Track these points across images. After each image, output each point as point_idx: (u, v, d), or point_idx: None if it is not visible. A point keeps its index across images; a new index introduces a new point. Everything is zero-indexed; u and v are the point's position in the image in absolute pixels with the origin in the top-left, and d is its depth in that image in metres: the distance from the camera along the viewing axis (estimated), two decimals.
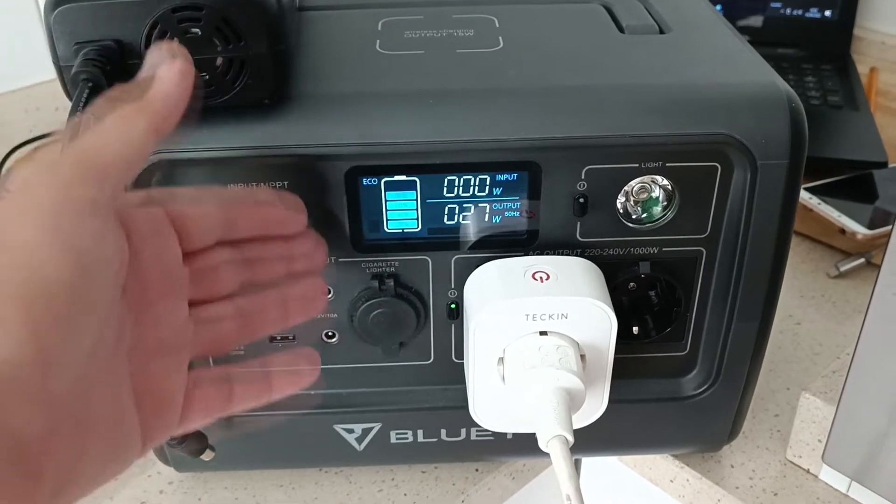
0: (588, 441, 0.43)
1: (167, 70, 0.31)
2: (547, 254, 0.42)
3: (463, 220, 0.41)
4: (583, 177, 0.40)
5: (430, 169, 0.39)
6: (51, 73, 0.36)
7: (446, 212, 0.41)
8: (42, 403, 0.24)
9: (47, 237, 0.25)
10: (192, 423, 0.33)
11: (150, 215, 0.32)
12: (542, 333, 0.39)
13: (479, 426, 0.43)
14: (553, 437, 0.36)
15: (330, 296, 0.43)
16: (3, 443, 0.23)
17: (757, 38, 0.99)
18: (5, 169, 0.84)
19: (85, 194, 0.27)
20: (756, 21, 0.99)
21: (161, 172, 0.38)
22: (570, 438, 0.36)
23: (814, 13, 0.97)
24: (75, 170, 0.27)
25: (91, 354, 0.26)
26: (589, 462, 0.60)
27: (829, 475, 0.50)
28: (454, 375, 0.46)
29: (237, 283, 0.35)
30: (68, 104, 0.34)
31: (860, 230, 0.67)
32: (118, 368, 0.29)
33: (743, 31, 0.49)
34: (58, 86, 0.36)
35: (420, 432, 0.48)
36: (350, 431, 0.48)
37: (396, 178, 0.40)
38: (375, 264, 0.42)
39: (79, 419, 0.26)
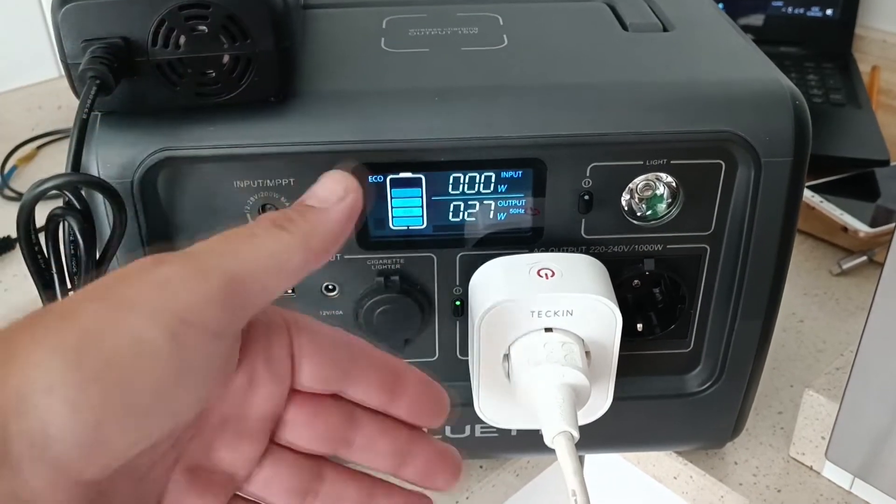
0: (592, 438, 0.43)
1: (338, 208, 0.29)
2: (552, 251, 0.42)
3: (468, 217, 0.41)
4: (587, 174, 0.40)
5: (435, 166, 0.40)
6: (53, 71, 0.36)
7: (451, 209, 0.41)
8: (70, 487, 0.23)
9: (167, 345, 0.24)
10: None
11: (272, 327, 0.29)
12: (548, 330, 0.39)
13: (484, 423, 0.44)
14: (559, 434, 0.36)
15: (334, 293, 0.43)
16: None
17: (759, 37, 0.99)
18: (7, 167, 0.84)
19: (220, 316, 0.25)
20: (758, 20, 0.99)
21: (167, 170, 0.38)
22: (576, 434, 0.37)
23: (815, 12, 0.97)
24: (220, 287, 0.25)
25: (141, 458, 0.25)
26: (593, 459, 0.60)
27: (832, 472, 0.50)
28: (459, 372, 0.46)
29: (327, 449, 0.31)
30: (70, 102, 0.34)
31: (862, 228, 0.68)
32: (156, 480, 0.28)
33: (745, 29, 0.49)
34: (60, 84, 0.37)
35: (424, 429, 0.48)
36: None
37: (402, 175, 0.40)
38: (381, 261, 0.42)
39: None
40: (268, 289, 0.27)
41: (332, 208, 0.29)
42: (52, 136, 0.90)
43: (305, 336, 0.30)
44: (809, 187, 0.73)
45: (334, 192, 0.29)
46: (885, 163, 0.78)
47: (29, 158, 0.88)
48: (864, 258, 0.68)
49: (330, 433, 0.31)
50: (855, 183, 0.75)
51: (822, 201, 0.71)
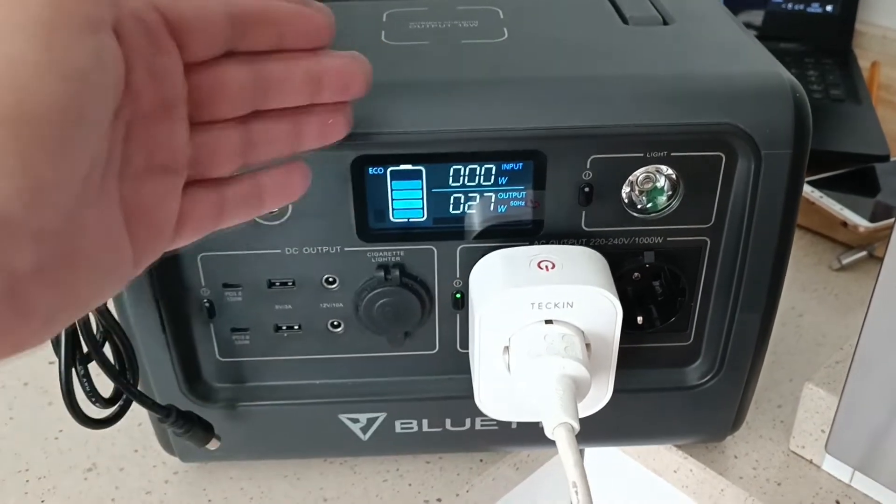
0: (592, 431, 0.43)
1: None
2: (552, 243, 0.42)
3: (468, 209, 0.41)
4: (588, 166, 0.40)
5: (435, 158, 0.40)
6: None
7: (452, 201, 0.41)
8: (33, 238, 0.23)
9: (39, 55, 0.22)
10: (183, 239, 0.31)
11: (147, 24, 0.27)
12: (548, 322, 0.39)
13: (484, 416, 0.44)
14: (559, 425, 0.36)
15: (334, 286, 0.43)
16: None
17: (759, 33, 0.99)
18: None
19: (83, 7, 0.24)
20: (758, 15, 0.99)
21: None
22: (576, 426, 0.37)
23: (815, 8, 0.97)
24: None
25: (84, 182, 0.24)
26: (593, 453, 0.60)
27: (832, 465, 0.50)
28: (459, 365, 0.46)
29: (248, 104, 0.31)
30: None
31: (862, 223, 0.68)
32: (109, 193, 0.27)
33: (745, 25, 0.49)
34: None
35: (425, 422, 0.48)
36: (355, 421, 0.48)
37: (402, 167, 0.40)
38: (381, 254, 0.42)
39: (70, 250, 0.24)
40: None
41: None
42: None
43: (177, 15, 0.28)
44: (809, 182, 0.73)
45: None
46: (885, 158, 0.78)
47: None
48: (864, 253, 0.68)
49: (242, 91, 0.31)
50: (855, 178, 0.75)
51: (821, 196, 0.71)
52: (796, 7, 0.98)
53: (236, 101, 0.31)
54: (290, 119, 0.33)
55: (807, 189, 0.72)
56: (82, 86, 0.23)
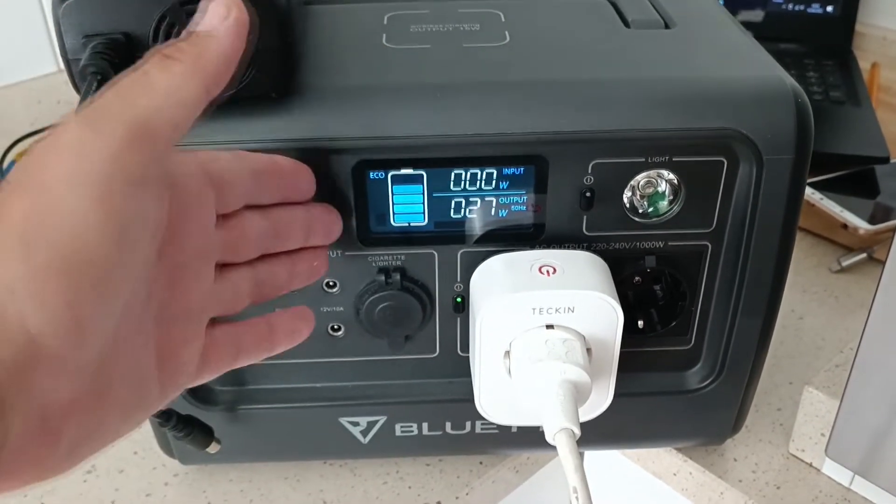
0: (592, 435, 0.43)
1: (224, 27, 0.29)
2: (553, 248, 0.42)
3: (469, 213, 0.41)
4: (589, 171, 0.40)
5: (436, 163, 0.40)
6: (52, 66, 0.36)
7: (453, 206, 0.41)
8: (70, 374, 0.24)
9: (95, 206, 0.24)
10: (203, 377, 0.34)
11: (194, 177, 0.31)
12: (549, 327, 0.39)
13: (484, 419, 0.44)
14: (560, 430, 0.36)
15: (335, 289, 0.43)
16: (29, 414, 0.23)
17: (759, 34, 0.98)
18: (7, 162, 0.84)
19: (136, 163, 0.26)
20: (758, 16, 0.99)
21: None
22: (577, 431, 0.37)
23: (815, 8, 0.97)
24: (127, 135, 0.26)
25: (121, 321, 0.26)
26: (593, 456, 0.60)
27: (831, 469, 0.50)
28: (460, 369, 0.46)
29: (261, 249, 0.36)
30: (70, 97, 0.34)
31: (862, 225, 0.68)
32: (145, 333, 0.29)
33: (745, 26, 0.49)
34: (59, 79, 0.36)
35: (425, 425, 0.48)
36: (355, 424, 0.48)
37: (403, 171, 0.40)
38: (382, 258, 0.42)
39: (102, 385, 0.26)
40: (174, 123, 0.27)
41: (219, 28, 0.29)
42: None
43: (217, 170, 0.32)
44: (809, 184, 0.73)
45: (217, 13, 0.30)
46: (885, 160, 0.78)
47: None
48: (864, 255, 0.68)
49: (259, 238, 0.35)
50: (855, 180, 0.75)
51: (821, 198, 0.71)
52: (796, 8, 0.98)
53: (253, 247, 0.35)
54: (287, 261, 0.38)
55: (807, 191, 0.72)
56: (130, 237, 0.26)
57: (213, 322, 0.34)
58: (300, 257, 0.38)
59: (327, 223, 0.39)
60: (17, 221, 0.24)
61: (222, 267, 0.34)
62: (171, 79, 0.28)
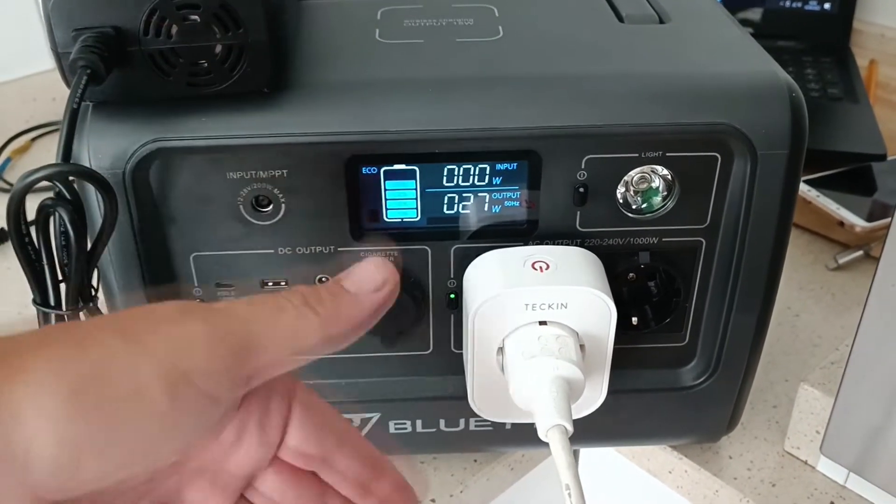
0: (587, 432, 0.43)
1: (371, 297, 0.29)
2: (547, 244, 0.42)
3: (462, 209, 0.41)
4: (583, 166, 0.40)
5: (429, 158, 0.39)
6: (47, 63, 0.36)
7: (446, 201, 0.41)
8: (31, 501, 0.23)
9: (166, 400, 0.24)
10: None
11: (271, 407, 0.29)
12: (542, 323, 0.39)
13: (478, 416, 0.43)
14: (552, 427, 0.36)
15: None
16: None
17: (757, 31, 0.99)
18: (1, 159, 0.84)
19: (222, 385, 0.26)
20: (756, 13, 0.99)
21: (159, 161, 0.38)
22: (570, 428, 0.36)
23: (813, 6, 0.97)
24: (230, 357, 0.25)
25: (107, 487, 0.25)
26: (587, 454, 0.60)
27: (826, 466, 0.50)
28: (453, 365, 0.46)
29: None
30: (65, 95, 0.34)
31: (859, 223, 0.67)
32: None
33: (743, 23, 0.49)
34: (54, 76, 0.36)
35: (419, 422, 0.48)
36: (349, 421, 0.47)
37: (396, 167, 0.39)
38: (374, 254, 0.42)
39: None
40: (278, 363, 0.27)
41: (366, 297, 0.29)
42: (47, 129, 0.90)
43: (302, 409, 0.30)
44: (806, 182, 0.73)
45: (373, 280, 0.29)
46: (882, 157, 0.78)
47: (23, 150, 0.87)
48: (861, 253, 0.68)
49: None
50: (852, 177, 0.75)
51: (818, 196, 0.71)
52: (794, 5, 0.98)
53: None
54: None
55: (803, 188, 0.72)
56: (170, 435, 0.25)
57: None
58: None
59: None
60: (92, 357, 0.24)
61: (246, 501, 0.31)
62: (301, 324, 0.27)
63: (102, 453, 0.23)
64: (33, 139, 0.89)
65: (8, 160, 0.85)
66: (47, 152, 0.86)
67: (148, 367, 0.24)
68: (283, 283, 0.43)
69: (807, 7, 0.97)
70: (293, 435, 0.30)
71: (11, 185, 0.79)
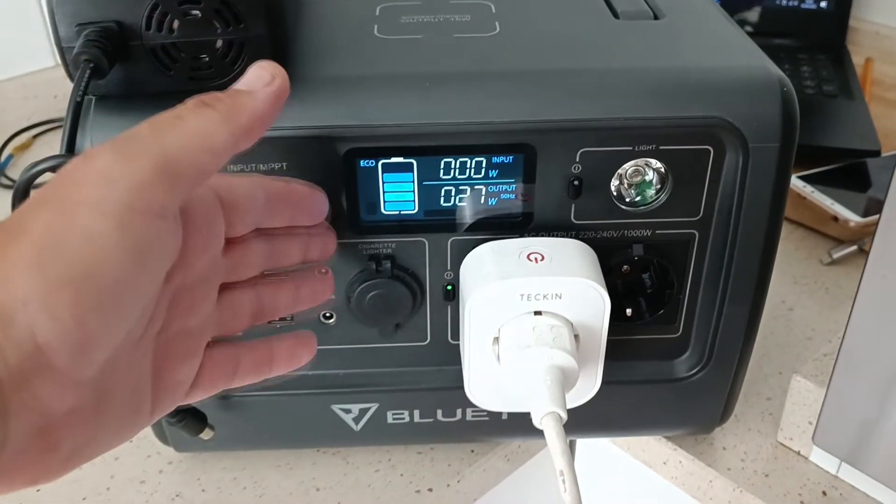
0: (582, 422, 0.44)
1: (264, 90, 0.31)
2: (542, 236, 0.42)
3: (459, 202, 0.41)
4: (577, 159, 0.40)
5: (426, 151, 0.40)
6: (49, 60, 0.37)
7: (443, 194, 0.41)
8: (72, 387, 0.25)
9: (114, 231, 0.26)
10: (197, 396, 0.34)
11: (209, 204, 0.32)
12: (537, 313, 0.40)
13: (475, 406, 0.44)
14: (546, 414, 0.37)
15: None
16: (30, 420, 0.24)
17: (754, 29, 0.99)
18: (3, 156, 0.85)
19: (159, 197, 0.27)
20: (753, 11, 0.99)
21: None
22: (564, 415, 0.37)
23: (809, 4, 0.98)
24: (154, 170, 0.27)
25: (125, 340, 0.27)
26: (583, 445, 0.61)
27: (819, 457, 0.51)
28: (450, 356, 0.46)
29: (260, 270, 0.36)
30: (66, 92, 0.35)
31: (853, 217, 0.68)
32: (144, 350, 0.30)
33: (739, 21, 0.49)
34: (56, 73, 0.37)
35: (416, 412, 0.48)
36: (347, 411, 0.48)
37: (394, 160, 0.40)
38: (372, 246, 0.43)
39: (101, 396, 0.27)
40: (200, 167, 0.29)
41: (260, 91, 0.31)
42: (48, 125, 0.91)
43: (231, 197, 0.33)
44: (801, 177, 0.73)
45: (261, 77, 0.32)
46: (877, 153, 0.78)
47: (25, 147, 0.88)
48: (855, 248, 0.69)
49: (259, 260, 0.36)
50: (846, 173, 0.76)
51: (813, 191, 0.71)
52: (791, 3, 0.98)
53: (253, 268, 0.36)
54: (291, 284, 0.38)
55: (798, 184, 0.72)
56: (144, 263, 0.27)
57: (212, 342, 0.35)
58: (304, 281, 0.39)
59: (324, 242, 0.40)
60: (37, 236, 0.25)
61: (223, 288, 0.35)
62: (204, 123, 0.29)
63: (93, 307, 0.25)
64: (35, 136, 0.90)
65: (10, 157, 0.86)
66: (49, 149, 0.87)
67: (88, 215, 0.25)
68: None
69: (803, 5, 0.98)
70: (232, 217, 0.33)
71: (14, 181, 0.80)
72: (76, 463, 0.27)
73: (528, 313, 0.40)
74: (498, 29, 0.44)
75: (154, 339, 0.30)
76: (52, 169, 0.34)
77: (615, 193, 0.41)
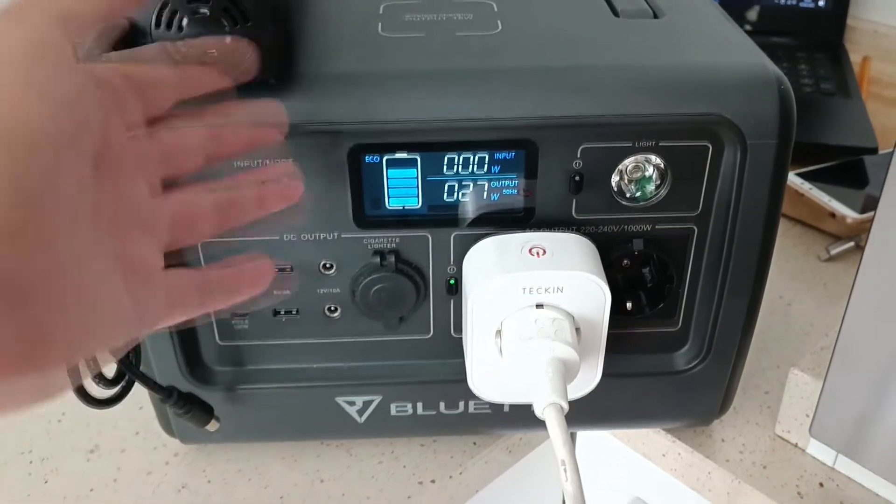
0: (582, 415, 0.45)
1: None
2: (543, 230, 0.43)
3: (462, 197, 0.42)
4: (578, 155, 0.41)
5: (430, 147, 0.41)
6: None
7: (446, 189, 0.42)
8: (29, 246, 0.24)
9: (24, 85, 0.25)
10: (176, 316, 0.34)
11: (112, 81, 0.31)
12: (539, 307, 0.40)
13: (478, 399, 0.45)
14: (548, 405, 0.38)
15: (332, 271, 0.44)
16: None
17: (752, 27, 1.00)
18: None
19: (54, 39, 0.27)
20: (751, 10, 1.00)
21: None
22: (565, 406, 0.38)
23: (808, 3, 0.99)
24: (44, 17, 0.27)
25: (74, 219, 0.26)
26: (583, 437, 0.61)
27: (816, 449, 0.52)
28: (453, 349, 0.47)
29: (203, 155, 0.35)
30: None
31: (850, 214, 0.69)
32: (102, 241, 0.29)
33: (738, 20, 0.50)
34: None
35: (419, 405, 0.49)
36: (351, 404, 0.49)
37: (398, 155, 0.41)
38: (377, 240, 0.43)
39: (74, 282, 0.26)
40: (91, 7, 0.29)
41: None
42: None
43: (135, 72, 0.32)
44: (799, 174, 0.74)
45: None
46: (874, 151, 0.79)
47: None
48: (852, 244, 0.69)
49: (197, 143, 0.35)
50: (844, 170, 0.77)
51: (811, 188, 0.72)
52: (789, 2, 0.99)
53: (194, 154, 0.35)
54: (254, 182, 0.37)
55: (796, 181, 0.73)
56: (68, 113, 0.26)
57: (179, 265, 0.34)
58: (267, 176, 0.38)
59: (274, 115, 0.37)
60: None
61: (177, 186, 0.34)
62: None
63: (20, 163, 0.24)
64: None
65: None
66: None
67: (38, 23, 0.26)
68: (288, 270, 0.44)
69: (801, 4, 0.99)
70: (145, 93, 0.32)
71: None
72: (67, 352, 0.26)
73: (529, 306, 0.40)
74: (500, 27, 0.45)
75: (108, 233, 0.29)
76: None
77: (615, 189, 0.42)
